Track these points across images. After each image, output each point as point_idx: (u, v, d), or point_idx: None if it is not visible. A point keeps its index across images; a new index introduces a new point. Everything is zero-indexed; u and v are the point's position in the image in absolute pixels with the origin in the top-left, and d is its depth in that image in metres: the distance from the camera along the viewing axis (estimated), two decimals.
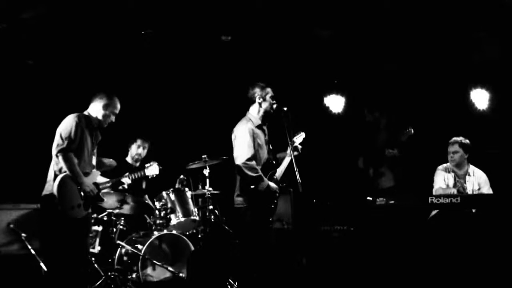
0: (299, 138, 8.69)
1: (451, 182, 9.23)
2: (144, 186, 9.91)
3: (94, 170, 7.62)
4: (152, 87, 10.97)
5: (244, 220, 8.15)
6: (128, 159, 9.97)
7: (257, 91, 8.38)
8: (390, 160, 10.32)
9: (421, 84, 11.10)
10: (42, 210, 7.46)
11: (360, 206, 8.58)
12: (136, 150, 9.95)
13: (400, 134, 10.16)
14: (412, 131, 10.07)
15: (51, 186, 7.19)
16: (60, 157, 7.21)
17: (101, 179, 7.77)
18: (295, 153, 8.38)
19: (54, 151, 7.27)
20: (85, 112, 7.56)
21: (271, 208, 8.13)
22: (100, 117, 7.57)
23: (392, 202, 8.29)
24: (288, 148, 8.17)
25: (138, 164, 9.99)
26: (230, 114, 8.85)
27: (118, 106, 7.73)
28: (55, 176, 7.20)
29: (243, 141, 8.14)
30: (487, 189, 9.15)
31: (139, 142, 9.95)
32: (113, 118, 7.68)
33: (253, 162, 8.07)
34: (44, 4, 8.79)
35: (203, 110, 11.14)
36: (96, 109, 7.59)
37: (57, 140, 7.28)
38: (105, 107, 7.60)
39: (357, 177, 10.87)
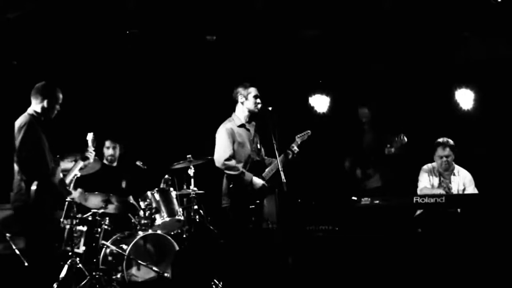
0: (303, 137, 8.80)
1: (436, 183, 9.25)
2: (124, 185, 9.89)
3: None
4: (137, 87, 10.95)
5: (227, 219, 8.27)
6: (105, 161, 9.96)
7: (240, 91, 8.50)
8: (382, 159, 10.27)
9: (406, 84, 11.12)
10: None
11: (345, 206, 8.58)
12: (106, 151, 9.97)
13: (392, 141, 10.10)
14: (405, 139, 9.99)
15: None
16: None
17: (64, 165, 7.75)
18: (284, 157, 8.50)
19: None
20: (30, 111, 7.50)
21: (254, 208, 8.20)
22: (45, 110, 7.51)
23: (377, 202, 8.30)
24: (275, 147, 8.21)
25: (115, 164, 10.07)
26: (214, 114, 8.90)
27: (59, 95, 7.64)
28: None
29: (220, 142, 8.37)
30: (472, 189, 9.18)
31: (107, 143, 9.99)
32: (57, 107, 7.62)
33: (232, 161, 8.28)
34: (30, 2, 8.77)
35: (188, 110, 11.12)
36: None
37: None
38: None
39: (343, 177, 10.86)
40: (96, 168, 8.91)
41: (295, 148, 8.74)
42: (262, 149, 8.82)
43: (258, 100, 8.52)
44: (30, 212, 7.11)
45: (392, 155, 10.08)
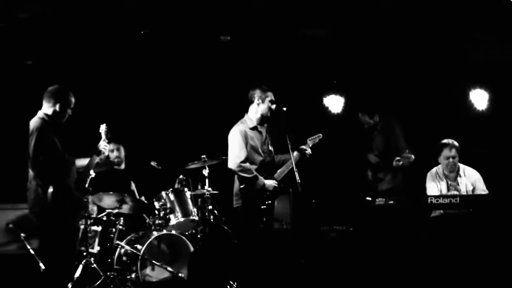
0: (314, 140, 8.80)
1: (444, 188, 9.14)
2: (133, 188, 9.88)
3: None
4: (151, 87, 10.96)
5: (239, 219, 8.31)
6: None
7: (257, 92, 8.52)
8: (394, 168, 10.21)
9: (420, 85, 11.10)
10: None
11: (359, 206, 8.57)
12: (111, 154, 9.82)
13: (401, 153, 10.01)
14: (412, 157, 9.87)
15: None
16: None
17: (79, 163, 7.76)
18: (298, 154, 8.51)
19: None
20: (41, 115, 7.51)
21: (265, 208, 8.22)
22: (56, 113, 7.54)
23: (391, 202, 8.29)
24: (289, 148, 8.24)
25: (123, 166, 9.98)
26: (229, 114, 8.91)
27: (72, 99, 7.65)
28: None
29: (235, 144, 8.38)
30: (482, 188, 9.10)
31: (111, 146, 9.76)
32: (69, 111, 7.63)
33: (247, 164, 8.28)
34: (42, 3, 8.79)
35: (202, 110, 11.14)
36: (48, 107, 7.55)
37: None
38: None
39: (357, 177, 10.83)
40: (107, 166, 8.95)
41: (308, 151, 8.75)
42: (272, 150, 8.82)
43: (273, 106, 8.54)
44: (49, 215, 7.14)
45: (399, 167, 10.01)
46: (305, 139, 8.90)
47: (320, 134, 8.97)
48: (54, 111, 7.43)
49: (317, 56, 10.74)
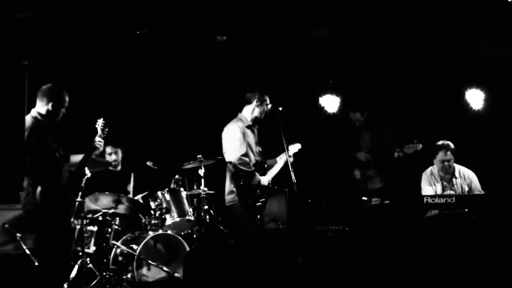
0: (294, 148, 8.80)
1: (439, 189, 9.13)
2: (130, 189, 9.86)
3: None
4: (147, 87, 10.95)
5: (235, 216, 8.31)
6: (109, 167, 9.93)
7: (257, 95, 8.57)
8: (383, 160, 10.20)
9: (416, 85, 11.11)
10: None
11: (355, 206, 8.58)
12: (109, 158, 9.84)
13: (403, 146, 9.98)
14: (420, 146, 9.81)
15: None
16: None
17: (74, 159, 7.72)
18: (290, 159, 8.50)
19: None
20: (34, 114, 7.44)
21: (261, 204, 8.23)
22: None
23: (387, 202, 8.30)
24: (284, 147, 8.26)
25: (119, 168, 10.00)
26: (225, 114, 8.91)
27: (65, 98, 7.58)
28: None
29: (235, 139, 8.42)
30: (477, 188, 9.08)
31: (108, 149, 9.82)
32: (63, 110, 7.58)
33: (247, 158, 8.27)
34: (40, 3, 8.77)
35: (198, 110, 11.13)
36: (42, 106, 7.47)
37: None
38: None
39: (351, 177, 10.84)
40: (108, 165, 8.93)
41: (292, 158, 8.72)
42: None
43: (269, 106, 8.60)
44: (40, 214, 7.13)
45: (401, 158, 9.98)
46: (302, 139, 8.92)
47: (299, 144, 8.95)
48: (47, 110, 7.37)
49: (313, 56, 10.75)
